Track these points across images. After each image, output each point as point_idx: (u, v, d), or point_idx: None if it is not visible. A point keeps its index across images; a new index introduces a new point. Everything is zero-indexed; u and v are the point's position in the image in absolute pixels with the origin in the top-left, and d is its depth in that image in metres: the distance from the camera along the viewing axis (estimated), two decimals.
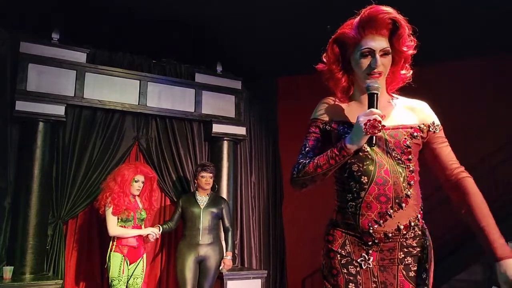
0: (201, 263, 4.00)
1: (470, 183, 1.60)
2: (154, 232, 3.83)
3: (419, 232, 1.62)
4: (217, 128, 4.80)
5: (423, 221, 1.65)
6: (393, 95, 1.76)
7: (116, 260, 3.61)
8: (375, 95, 1.57)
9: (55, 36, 4.13)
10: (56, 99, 4.02)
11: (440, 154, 1.66)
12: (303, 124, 6.66)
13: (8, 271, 3.57)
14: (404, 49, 1.63)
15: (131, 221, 3.72)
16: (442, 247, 5.65)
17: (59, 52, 4.11)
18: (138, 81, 4.46)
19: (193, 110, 4.73)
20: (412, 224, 1.59)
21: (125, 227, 3.69)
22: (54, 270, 3.95)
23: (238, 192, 5.17)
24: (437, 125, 1.68)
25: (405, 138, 1.63)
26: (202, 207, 4.07)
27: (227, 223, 4.18)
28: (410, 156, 1.63)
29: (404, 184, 1.60)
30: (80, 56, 4.22)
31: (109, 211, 3.65)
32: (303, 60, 5.43)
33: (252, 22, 4.45)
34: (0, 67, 4.00)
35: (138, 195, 3.89)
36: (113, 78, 4.35)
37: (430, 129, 1.67)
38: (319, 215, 6.38)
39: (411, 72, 1.72)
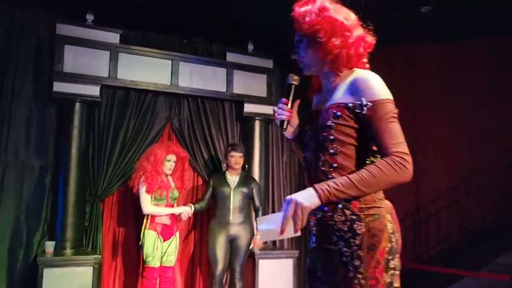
0: (232, 242, 4.05)
1: (381, 161, 1.46)
2: (186, 211, 3.90)
3: (352, 217, 1.51)
4: (248, 107, 4.78)
5: (364, 206, 1.52)
6: (343, 73, 1.63)
7: (150, 238, 3.72)
8: (292, 85, 1.77)
9: (89, 17, 4.19)
10: (91, 79, 4.10)
11: (373, 137, 1.51)
12: None
13: (50, 246, 3.74)
14: (305, 31, 1.60)
15: (164, 199, 3.79)
16: (480, 231, 5.51)
17: (93, 33, 4.17)
18: (170, 61, 4.48)
19: (224, 90, 4.72)
20: (340, 206, 1.53)
21: (158, 205, 3.78)
22: (92, 246, 4.10)
23: (270, 172, 5.17)
24: (366, 105, 1.50)
25: (330, 119, 1.56)
26: (232, 187, 4.10)
27: (257, 203, 4.19)
28: (331, 137, 1.55)
29: (324, 168, 1.57)
30: (113, 37, 4.27)
31: (142, 190, 3.74)
32: None
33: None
34: (38, 49, 4.11)
35: (171, 174, 3.96)
36: (146, 59, 4.39)
37: (357, 109, 1.51)
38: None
39: (335, 46, 1.57)
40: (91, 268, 3.63)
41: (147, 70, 4.38)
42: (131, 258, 4.35)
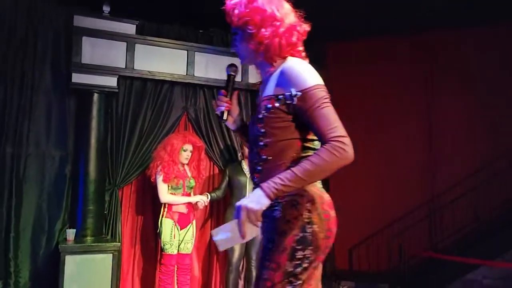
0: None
1: (320, 149, 1.45)
2: (202, 199, 3.96)
3: (274, 203, 1.52)
4: None
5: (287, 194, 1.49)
6: (277, 63, 1.62)
7: (167, 226, 3.79)
8: (231, 76, 1.84)
9: (106, 9, 4.23)
10: (109, 70, 4.16)
11: (309, 126, 1.50)
12: (353, 91, 6.55)
13: (71, 233, 3.84)
14: (236, 23, 1.62)
15: (180, 188, 3.85)
16: (496, 220, 5.47)
17: (110, 25, 4.21)
18: (186, 52, 4.50)
19: (240, 80, 4.73)
20: None
21: (175, 194, 3.84)
22: (112, 234, 4.19)
23: None
24: (296, 95, 1.48)
25: (261, 112, 1.57)
26: (248, 176, 4.14)
27: None
28: (262, 130, 1.55)
29: (255, 160, 1.60)
30: (129, 28, 4.31)
31: (160, 179, 3.80)
32: (353, 25, 5.29)
33: None
34: (56, 41, 4.17)
35: (187, 164, 4.01)
36: (162, 49, 4.42)
37: (287, 100, 1.51)
38: (366, 184, 6.36)
39: (265, 36, 1.58)
40: (111, 255, 3.72)
41: (163, 61, 4.42)
42: (149, 245, 4.44)
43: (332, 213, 1.57)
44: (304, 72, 1.52)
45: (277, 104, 1.53)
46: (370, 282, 5.54)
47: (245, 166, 4.19)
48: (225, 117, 1.76)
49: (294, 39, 1.61)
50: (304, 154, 1.54)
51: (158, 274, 4.00)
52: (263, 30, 1.57)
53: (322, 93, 1.49)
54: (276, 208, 1.54)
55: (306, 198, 1.51)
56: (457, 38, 5.70)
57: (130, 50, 4.26)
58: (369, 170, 6.06)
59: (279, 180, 1.42)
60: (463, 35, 5.63)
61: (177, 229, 3.82)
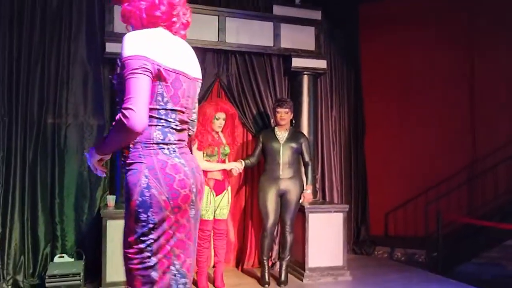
0: (282, 196, 4.12)
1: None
2: (237, 166, 3.99)
3: (123, 171, 1.68)
4: (296, 62, 4.70)
5: (130, 161, 1.62)
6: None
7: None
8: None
9: None
10: None
11: None
12: (385, 53, 6.32)
13: (111, 199, 3.99)
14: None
15: (215, 156, 3.89)
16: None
17: None
18: (217, 17, 4.44)
19: (272, 45, 4.64)
20: (121, 163, 1.69)
21: (210, 161, 3.89)
22: None
23: (319, 127, 5.13)
24: (119, 64, 1.58)
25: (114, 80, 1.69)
26: (281, 142, 4.12)
27: (307, 158, 4.20)
28: (117, 94, 1.65)
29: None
30: None
31: (194, 147, 3.84)
32: None
33: None
34: (89, 11, 4.20)
35: (221, 131, 4.03)
36: (192, 15, 4.35)
37: (119, 68, 1.60)
38: (403, 149, 6.23)
39: (127, 10, 1.74)
40: None
41: (194, 27, 4.29)
42: None
43: (179, 176, 1.61)
44: (127, 42, 1.56)
45: (118, 71, 1.62)
46: (406, 247, 5.51)
47: (278, 132, 4.17)
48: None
49: (158, 13, 1.69)
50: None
51: None
52: (126, 4, 1.73)
53: (133, 64, 1.51)
54: (126, 175, 1.64)
55: (145, 165, 1.58)
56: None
57: None
58: (406, 134, 5.93)
59: (99, 142, 1.68)
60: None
61: (213, 195, 3.88)
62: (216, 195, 3.91)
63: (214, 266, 4.13)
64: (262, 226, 4.18)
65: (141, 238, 1.57)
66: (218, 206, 3.93)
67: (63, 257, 3.94)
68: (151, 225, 1.56)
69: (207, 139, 3.83)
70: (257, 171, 4.66)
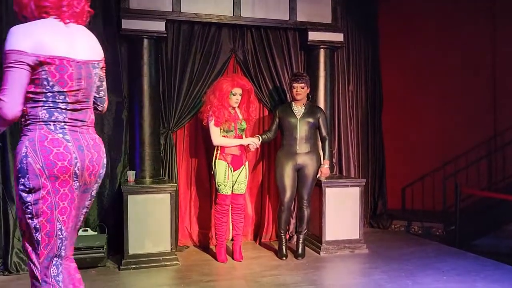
0: (299, 171, 4.14)
1: None
2: (254, 142, 4.01)
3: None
4: (313, 36, 4.63)
5: (21, 134, 1.80)
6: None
7: (221, 167, 3.91)
8: None
9: None
10: (156, 15, 4.17)
11: None
12: (405, 27, 6.19)
13: (131, 175, 4.07)
14: None
15: (232, 131, 3.92)
16: None
17: None
18: None
19: (287, 18, 4.58)
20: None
21: (227, 137, 3.92)
22: (168, 175, 4.40)
23: (336, 101, 5.09)
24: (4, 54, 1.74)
25: None
26: (298, 117, 4.12)
27: (324, 132, 4.20)
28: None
29: None
30: None
31: (211, 123, 3.88)
32: None
33: None
34: None
35: (238, 107, 4.04)
36: None
37: None
38: (421, 122, 6.16)
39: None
40: (169, 195, 3.93)
41: (209, 2, 4.35)
42: (204, 186, 4.63)
43: (57, 149, 1.76)
44: (10, 36, 1.70)
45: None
46: (423, 221, 5.52)
47: (294, 107, 4.16)
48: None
49: (46, 3, 1.79)
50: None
51: (214, 213, 4.20)
52: None
53: (10, 58, 1.67)
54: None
55: (27, 137, 1.76)
56: None
57: None
58: (424, 107, 5.84)
59: None
60: None
61: (231, 170, 3.93)
62: (234, 170, 3.95)
63: (232, 240, 4.22)
64: (279, 200, 4.23)
65: (21, 200, 1.76)
66: (236, 181, 3.98)
67: (86, 230, 4.07)
68: (27, 189, 1.74)
69: (223, 114, 3.85)
70: (274, 146, 4.68)
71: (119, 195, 3.97)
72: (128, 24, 4.09)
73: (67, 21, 1.83)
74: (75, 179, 1.81)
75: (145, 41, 4.15)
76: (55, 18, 1.81)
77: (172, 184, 4.03)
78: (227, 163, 3.91)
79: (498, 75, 5.65)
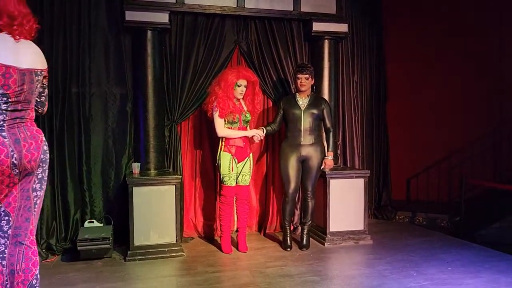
0: (303, 162, 4.15)
1: None
2: (258, 133, 4.01)
3: None
4: (317, 26, 4.60)
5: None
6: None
7: (225, 159, 3.92)
8: None
9: None
10: (160, 6, 4.15)
11: None
12: (409, 17, 6.14)
13: (136, 167, 4.09)
14: None
15: (237, 123, 3.92)
16: None
17: None
18: None
19: (291, 9, 4.55)
20: None
21: (231, 128, 3.92)
22: (173, 167, 4.42)
23: (340, 92, 5.07)
24: None
25: None
26: (302, 108, 4.11)
27: (328, 124, 4.19)
28: None
29: None
30: None
31: (216, 114, 3.88)
32: None
33: None
34: None
35: (242, 98, 4.03)
36: None
37: None
38: (426, 113, 6.14)
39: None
40: (174, 187, 3.95)
41: None
42: (209, 177, 4.64)
43: None
44: None
45: None
46: (428, 212, 5.51)
47: (299, 99, 4.15)
48: None
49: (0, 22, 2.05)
50: None
51: (218, 204, 4.22)
52: None
53: None
54: None
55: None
56: None
57: None
58: (429, 98, 5.81)
59: None
60: None
61: (235, 162, 3.94)
62: (238, 162, 3.96)
63: (237, 231, 4.24)
64: (283, 192, 4.24)
65: None
66: (240, 172, 3.98)
67: (92, 222, 4.10)
68: None
69: (228, 106, 3.84)
70: (278, 138, 4.68)
71: (124, 187, 3.99)
72: (131, 15, 4.07)
73: (18, 37, 2.10)
74: (13, 167, 2.07)
75: (149, 33, 4.14)
76: (7, 34, 2.08)
77: (177, 175, 4.04)
78: (232, 155, 3.91)
79: (504, 66, 5.60)
